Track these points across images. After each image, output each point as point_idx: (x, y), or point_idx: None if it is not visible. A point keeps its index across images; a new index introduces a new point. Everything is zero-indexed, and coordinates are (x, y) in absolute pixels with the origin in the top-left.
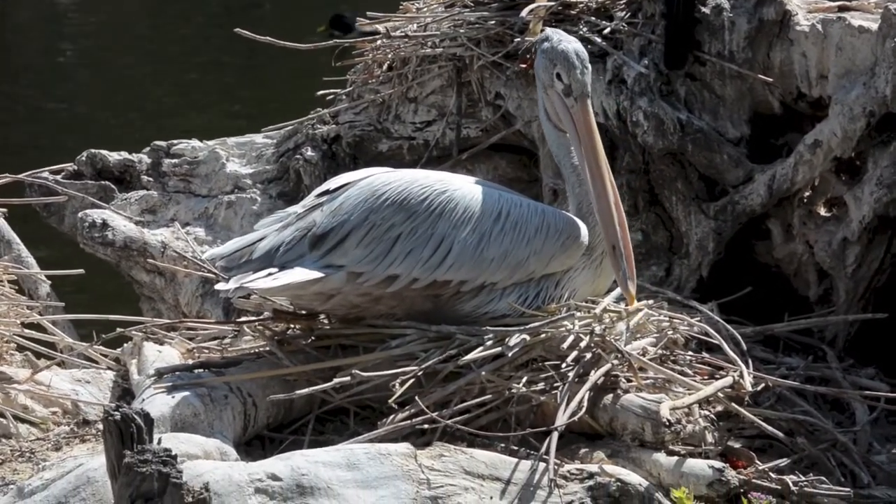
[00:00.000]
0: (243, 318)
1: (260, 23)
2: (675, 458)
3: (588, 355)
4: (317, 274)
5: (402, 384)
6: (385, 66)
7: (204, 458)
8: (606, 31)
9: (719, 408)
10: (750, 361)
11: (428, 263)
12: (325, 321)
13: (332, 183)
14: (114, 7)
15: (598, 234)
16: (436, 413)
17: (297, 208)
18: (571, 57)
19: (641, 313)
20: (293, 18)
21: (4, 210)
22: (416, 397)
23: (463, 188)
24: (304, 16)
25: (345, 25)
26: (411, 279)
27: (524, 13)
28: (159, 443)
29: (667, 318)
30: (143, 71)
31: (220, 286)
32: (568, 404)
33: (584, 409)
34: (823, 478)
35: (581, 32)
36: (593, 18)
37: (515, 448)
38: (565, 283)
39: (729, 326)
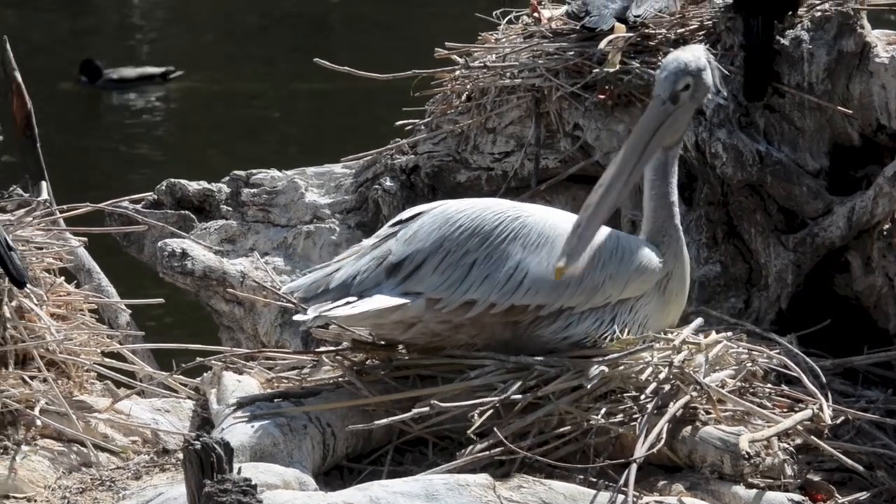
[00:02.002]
0: (322, 349)
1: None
2: (755, 490)
3: (667, 387)
4: (396, 301)
5: (480, 415)
6: (464, 97)
7: (283, 488)
8: None
9: (798, 440)
10: (829, 394)
11: (504, 288)
12: (404, 351)
13: (406, 213)
14: (190, 38)
15: (662, 251)
16: (514, 444)
17: (372, 239)
18: None
19: (720, 345)
20: (365, 47)
21: (85, 239)
22: (495, 428)
23: (536, 214)
24: (376, 44)
25: (94, 70)
26: (489, 304)
27: (603, 44)
28: (239, 472)
29: (746, 351)
30: (220, 100)
31: (298, 316)
32: (647, 436)
33: (662, 441)
34: None
35: (660, 63)
36: (672, 49)
37: (594, 480)
38: (638, 309)
39: (808, 359)
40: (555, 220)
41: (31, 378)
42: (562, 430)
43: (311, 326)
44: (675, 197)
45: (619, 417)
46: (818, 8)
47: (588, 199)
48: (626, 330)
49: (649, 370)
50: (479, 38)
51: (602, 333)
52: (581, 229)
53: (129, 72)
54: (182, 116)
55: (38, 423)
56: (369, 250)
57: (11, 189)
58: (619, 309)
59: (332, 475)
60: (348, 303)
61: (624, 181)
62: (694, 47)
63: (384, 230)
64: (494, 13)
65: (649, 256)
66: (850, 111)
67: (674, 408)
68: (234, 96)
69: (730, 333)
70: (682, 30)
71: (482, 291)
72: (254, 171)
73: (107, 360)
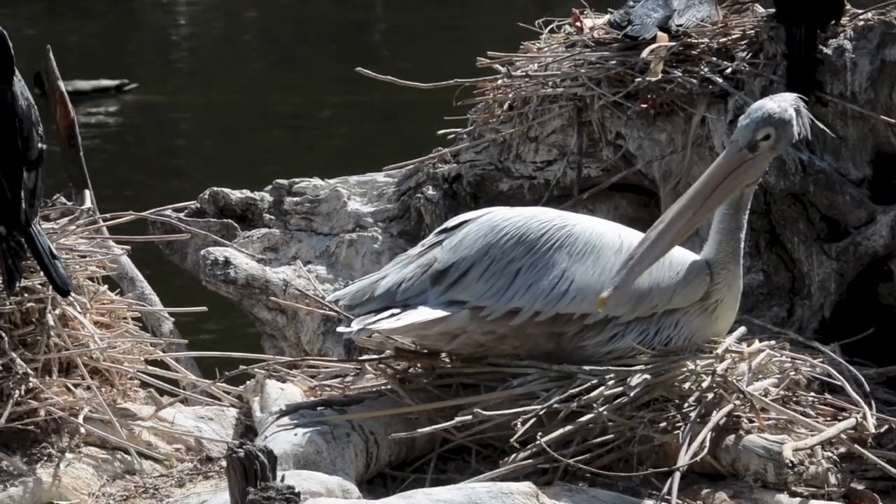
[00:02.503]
0: (365, 357)
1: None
2: (798, 499)
3: (710, 395)
4: (440, 313)
5: (523, 423)
6: (506, 106)
7: (326, 496)
8: (728, 71)
9: (842, 449)
10: (873, 403)
11: (550, 296)
12: (447, 359)
13: (452, 222)
14: (230, 45)
15: (716, 281)
16: (557, 452)
17: (418, 248)
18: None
19: (763, 354)
20: (409, 56)
21: (128, 248)
22: (538, 436)
23: (582, 223)
24: (423, 53)
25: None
26: (533, 312)
27: (645, 53)
28: (282, 480)
29: (789, 359)
30: (262, 108)
31: (342, 328)
32: (690, 444)
33: (706, 450)
34: None
35: (702, 73)
36: (714, 59)
37: (637, 488)
38: (684, 324)
39: (851, 367)
40: (601, 230)
41: (75, 386)
42: (605, 438)
43: (355, 338)
44: (742, 233)
45: (663, 426)
46: (861, 17)
47: (647, 233)
48: (671, 345)
49: (692, 379)
50: (522, 47)
51: (646, 347)
52: (632, 264)
53: (84, 84)
54: (220, 125)
55: (82, 430)
56: (415, 258)
57: (55, 198)
58: (664, 322)
59: (376, 483)
60: (392, 315)
61: (685, 222)
62: (784, 96)
63: (430, 239)
64: (537, 22)
65: (699, 269)
66: (893, 120)
67: (717, 416)
68: (267, 105)
69: (773, 342)
70: (725, 39)
71: (526, 300)
72: (296, 179)
73: (150, 368)
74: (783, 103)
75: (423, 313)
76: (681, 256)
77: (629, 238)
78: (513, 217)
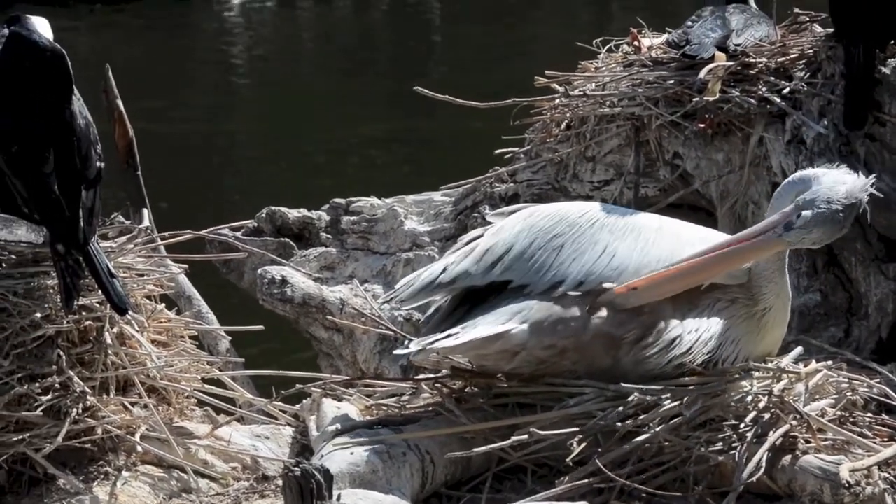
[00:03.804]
0: (421, 376)
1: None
2: None
3: (766, 416)
4: (498, 329)
5: (579, 443)
6: (563, 125)
7: None
8: (786, 91)
9: None
10: None
11: (593, 268)
12: (503, 378)
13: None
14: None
15: (763, 291)
16: (613, 472)
17: (459, 243)
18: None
19: (820, 374)
20: (467, 74)
21: (186, 266)
22: (594, 456)
23: (621, 208)
24: (478, 73)
25: None
26: (577, 283)
27: (703, 73)
28: (338, 499)
29: (846, 380)
30: (321, 126)
31: (399, 351)
32: (746, 464)
33: (762, 470)
34: None
35: (760, 92)
36: (772, 78)
37: None
38: (731, 325)
39: None
40: (640, 213)
41: (132, 404)
42: (661, 458)
43: (414, 360)
44: (787, 251)
45: (719, 446)
46: None
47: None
48: (720, 345)
49: (749, 399)
50: (580, 66)
51: (701, 350)
52: (645, 287)
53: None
54: (277, 143)
55: (139, 448)
56: (461, 247)
57: (113, 216)
58: (711, 322)
59: (431, 502)
60: (450, 335)
61: (703, 276)
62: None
63: (470, 234)
64: (595, 42)
65: None
66: None
67: (773, 436)
68: (323, 122)
69: (830, 362)
70: (783, 59)
71: (570, 272)
72: (353, 198)
73: (207, 386)
74: (842, 221)
75: (482, 330)
76: (717, 236)
77: (668, 221)
78: (552, 205)
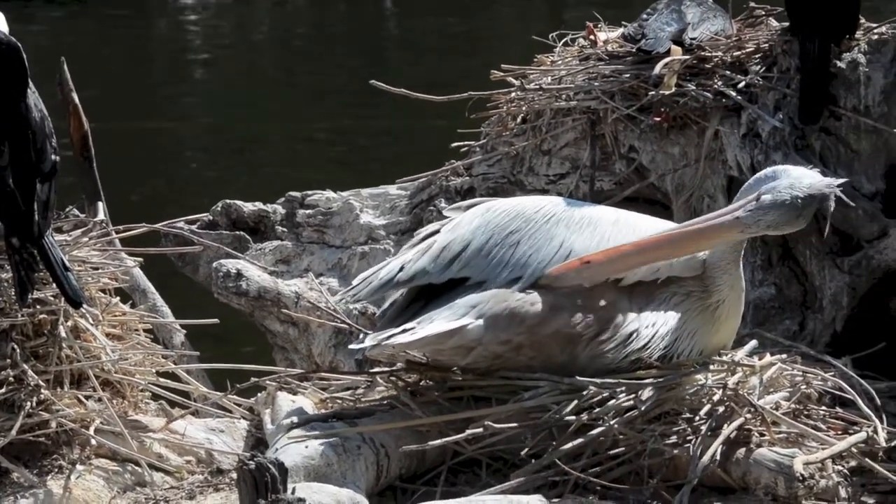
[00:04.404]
0: (376, 369)
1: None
2: None
3: (721, 409)
4: (454, 324)
5: (534, 436)
6: (519, 119)
7: None
8: (741, 85)
9: (853, 463)
10: (884, 416)
11: (550, 263)
12: (458, 372)
13: (444, 220)
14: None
15: (717, 283)
16: (568, 465)
17: (415, 238)
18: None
19: (775, 367)
20: (423, 67)
21: (141, 259)
22: (549, 449)
23: (577, 202)
24: (434, 66)
25: None
26: (535, 279)
27: (659, 67)
28: (293, 492)
29: (800, 373)
30: (277, 119)
31: (354, 345)
32: (701, 458)
33: (716, 463)
34: None
35: (716, 86)
36: (728, 72)
37: (648, 501)
38: (686, 319)
39: (863, 381)
40: (596, 207)
41: (87, 397)
42: (615, 451)
43: (369, 354)
44: (744, 244)
45: (673, 439)
46: (875, 31)
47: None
48: (676, 339)
49: (704, 392)
50: (535, 60)
51: (658, 344)
52: (600, 262)
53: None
54: (231, 137)
55: (93, 442)
56: (415, 244)
57: (68, 209)
58: (668, 316)
59: (386, 496)
60: (405, 330)
61: (656, 256)
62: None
63: (426, 229)
64: (550, 36)
65: None
66: None
67: (728, 429)
68: (276, 116)
69: (784, 356)
70: (739, 52)
71: (528, 268)
72: (309, 192)
73: (161, 379)
74: (800, 209)
75: (437, 325)
76: None
77: (625, 214)
78: (507, 200)
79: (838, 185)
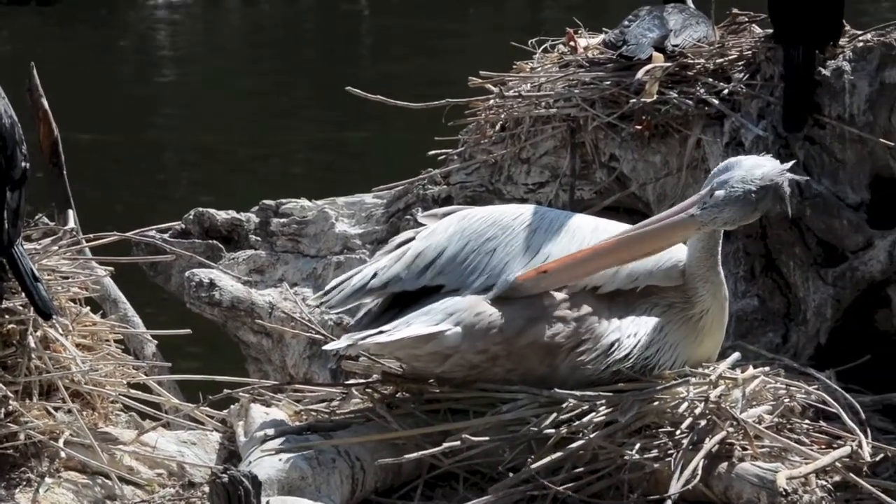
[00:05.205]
0: (352, 381)
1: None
2: None
3: (703, 422)
4: (432, 329)
5: (512, 449)
6: (498, 127)
7: None
8: (724, 92)
9: (837, 478)
10: (868, 431)
11: (527, 269)
12: (435, 384)
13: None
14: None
15: (700, 293)
16: (547, 479)
17: (390, 245)
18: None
19: (757, 380)
20: (399, 73)
21: (112, 269)
22: (527, 463)
23: (556, 211)
24: (408, 71)
25: None
26: (510, 287)
27: (640, 74)
28: None
29: (783, 386)
30: (250, 126)
31: (330, 346)
32: (682, 472)
33: (698, 477)
34: None
35: (698, 94)
36: (711, 80)
37: None
38: (668, 332)
39: (847, 395)
40: (574, 215)
41: (56, 409)
42: (595, 465)
43: (344, 353)
44: (719, 247)
45: (654, 453)
46: (860, 38)
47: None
48: (657, 350)
49: (685, 405)
50: (515, 67)
51: (639, 355)
52: (556, 270)
53: None
54: (205, 143)
55: (63, 454)
56: (390, 251)
57: (37, 217)
58: (649, 326)
59: None
60: (382, 332)
61: (614, 261)
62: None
63: (401, 236)
64: (530, 42)
65: (674, 256)
66: (892, 143)
67: (710, 443)
68: (252, 122)
69: (767, 368)
70: (721, 60)
71: (504, 276)
72: (283, 200)
73: (132, 391)
74: (755, 203)
75: (415, 329)
76: None
77: (604, 223)
78: (484, 208)
79: (788, 169)
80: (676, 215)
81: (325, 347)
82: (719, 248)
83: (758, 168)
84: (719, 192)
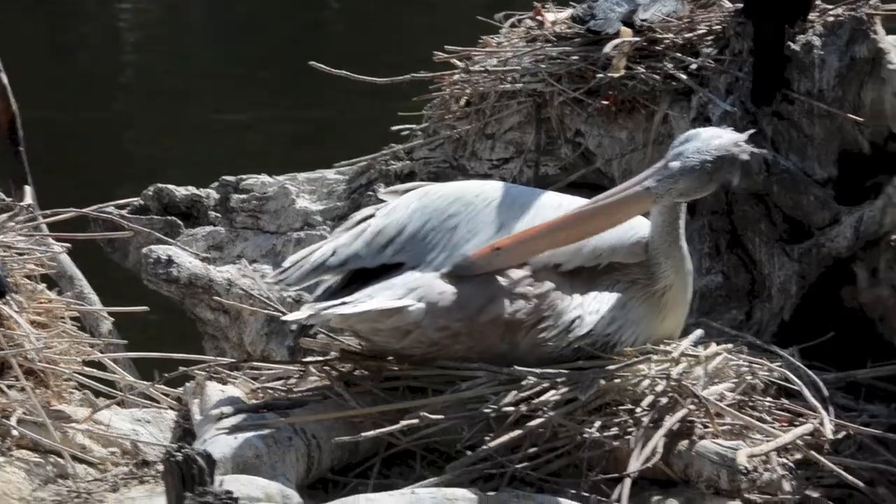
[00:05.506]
0: (309, 359)
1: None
2: None
3: (664, 400)
4: (396, 303)
5: (471, 427)
6: (462, 102)
7: (265, 501)
8: (692, 67)
9: (798, 456)
10: (831, 408)
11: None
12: (394, 361)
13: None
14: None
15: (662, 268)
16: (505, 457)
17: (349, 222)
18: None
19: (720, 358)
20: (362, 49)
21: (68, 245)
22: (486, 441)
23: (520, 187)
24: (373, 46)
25: None
26: (464, 265)
27: (608, 49)
28: (221, 485)
29: (746, 363)
30: (208, 102)
31: (291, 316)
32: (642, 450)
33: (658, 456)
34: None
35: (666, 69)
36: (679, 55)
37: (586, 494)
38: (630, 308)
39: (810, 372)
40: (539, 192)
41: (9, 387)
42: (554, 443)
43: (305, 324)
44: (682, 221)
45: (614, 431)
46: (831, 13)
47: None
48: (619, 327)
49: (646, 382)
50: (480, 41)
51: (601, 332)
52: (506, 251)
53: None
54: (164, 119)
55: (15, 433)
56: (349, 229)
57: None
58: (611, 303)
59: (317, 488)
60: (345, 303)
61: (569, 235)
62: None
63: (361, 212)
64: (496, 16)
65: (637, 231)
66: (861, 119)
67: (670, 421)
68: (213, 98)
69: (730, 345)
70: (690, 34)
71: (467, 250)
72: (244, 176)
73: (87, 369)
74: (711, 173)
75: (378, 301)
76: None
77: (568, 199)
78: (446, 185)
79: (746, 140)
80: (632, 188)
81: (286, 318)
82: (682, 223)
83: (715, 139)
84: (674, 164)
